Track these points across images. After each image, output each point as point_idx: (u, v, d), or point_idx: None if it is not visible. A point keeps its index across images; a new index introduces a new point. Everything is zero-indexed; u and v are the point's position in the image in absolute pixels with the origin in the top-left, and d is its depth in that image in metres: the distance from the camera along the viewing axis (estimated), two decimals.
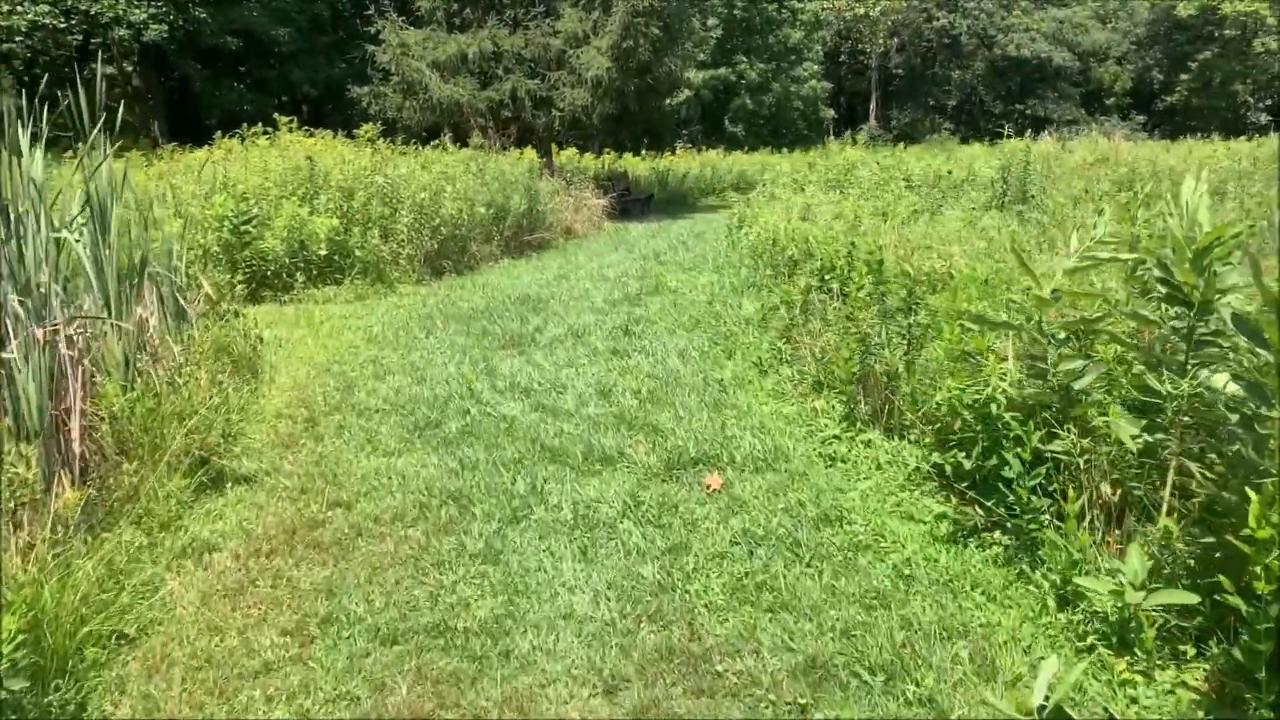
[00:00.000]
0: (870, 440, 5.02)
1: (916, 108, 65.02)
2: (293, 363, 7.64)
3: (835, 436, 5.17)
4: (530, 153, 17.12)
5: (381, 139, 14.80)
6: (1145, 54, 65.67)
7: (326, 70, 34.84)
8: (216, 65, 32.95)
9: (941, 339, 4.33)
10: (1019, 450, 3.60)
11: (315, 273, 10.93)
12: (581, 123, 20.60)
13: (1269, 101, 60.59)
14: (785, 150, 41.63)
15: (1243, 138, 39.40)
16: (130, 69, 32.46)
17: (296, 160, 12.05)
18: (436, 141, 18.90)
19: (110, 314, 5.32)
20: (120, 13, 27.11)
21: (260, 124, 14.22)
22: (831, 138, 48.15)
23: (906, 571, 3.72)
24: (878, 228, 8.69)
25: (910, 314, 5.04)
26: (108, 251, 5.37)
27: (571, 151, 28.73)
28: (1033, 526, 3.54)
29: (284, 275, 10.71)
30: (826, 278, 7.36)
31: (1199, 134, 41.53)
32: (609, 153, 34.17)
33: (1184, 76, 60.47)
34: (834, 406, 5.51)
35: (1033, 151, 16.34)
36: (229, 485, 5.02)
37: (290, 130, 14.10)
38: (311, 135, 14.49)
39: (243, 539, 4.41)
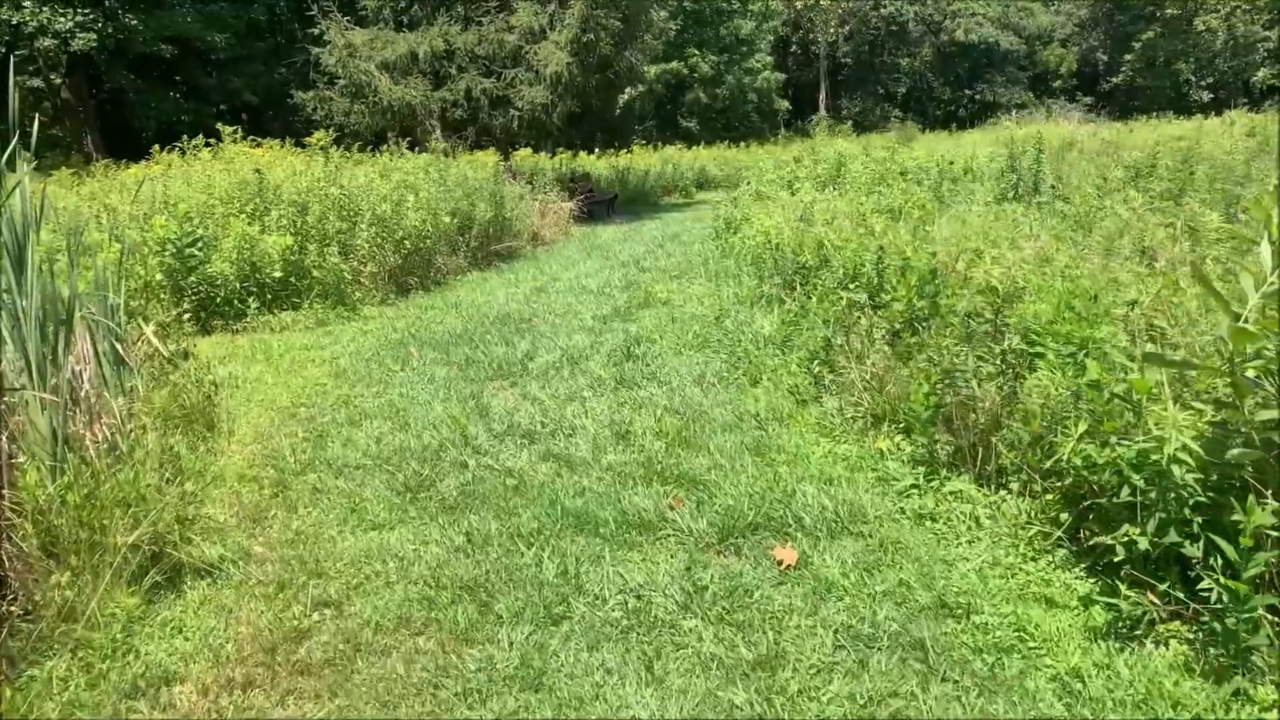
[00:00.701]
0: (960, 491, 4.21)
1: (866, 96, 64.80)
2: (252, 408, 6.67)
3: (914, 486, 4.36)
4: (493, 156, 16.14)
5: (334, 146, 13.75)
6: (1088, 35, 66.11)
7: (266, 76, 33.46)
8: (151, 75, 31.48)
9: (1065, 373, 3.53)
10: (1223, 526, 2.81)
11: (270, 297, 9.91)
12: (541, 122, 19.66)
13: (1210, 79, 61.28)
14: (743, 144, 41.02)
15: (1187, 116, 39.59)
16: (59, 81, 30.85)
17: (243, 173, 11.00)
18: (387, 146, 17.91)
19: (32, 377, 4.35)
20: (45, 22, 25.61)
21: (201, 135, 13.09)
22: (783, 130, 47.60)
23: (1078, 687, 2.91)
24: (894, 228, 7.90)
25: (1000, 337, 4.25)
26: (25, 301, 4.39)
27: (525, 153, 27.78)
28: (1244, 628, 2.75)
29: (235, 302, 9.68)
30: (851, 286, 6.56)
31: (1145, 114, 41.61)
32: (563, 152, 33.23)
33: (1128, 57, 60.85)
34: (902, 447, 4.70)
35: (1011, 137, 15.83)
36: (188, 582, 4.08)
37: (235, 140, 13.01)
38: (259, 145, 13.40)
39: (210, 662, 3.49)
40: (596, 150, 38.05)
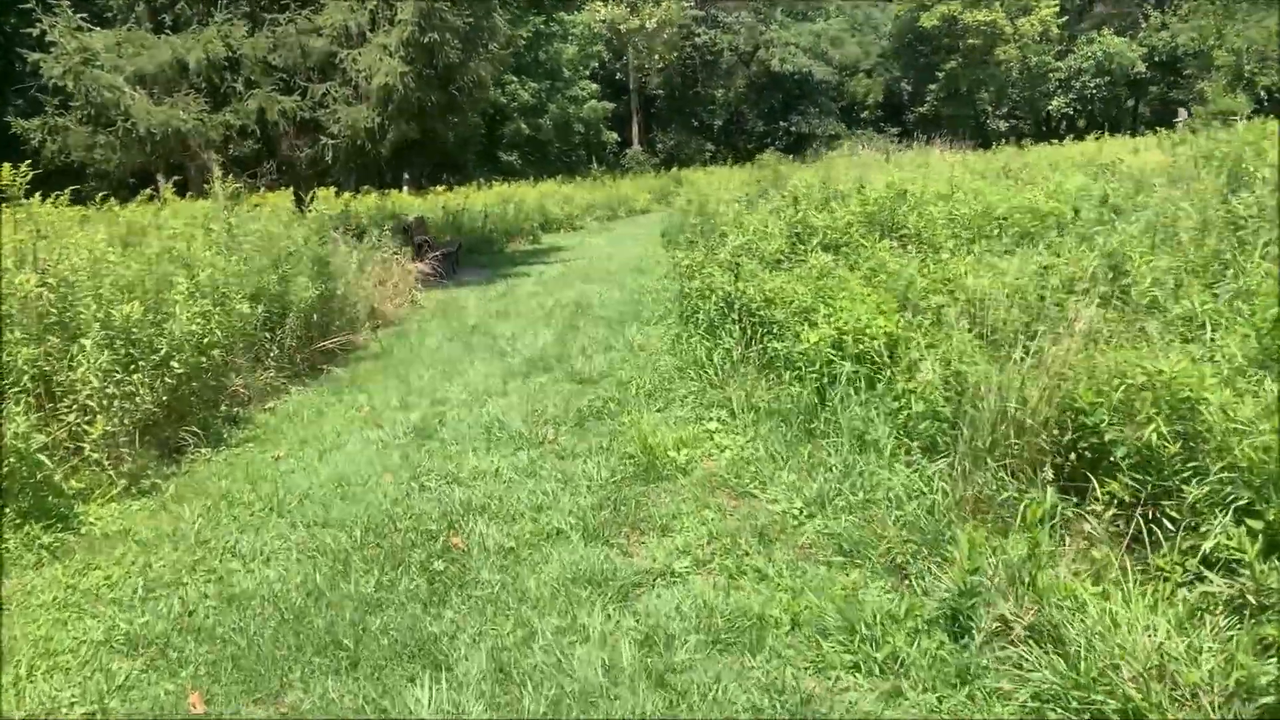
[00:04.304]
0: None
1: (681, 129, 62.43)
2: None
3: None
4: (317, 205, 10.98)
5: (54, 195, 8.24)
6: (892, 65, 66.59)
7: None
8: None
9: None
10: None
11: None
12: (365, 151, 14.63)
13: (1005, 109, 62.67)
14: (575, 178, 36.90)
15: (985, 146, 38.83)
16: None
17: None
18: (152, 190, 12.48)
19: None
20: None
21: None
22: (594, 165, 43.65)
23: None
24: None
25: None
26: None
27: (326, 193, 22.39)
28: None
29: None
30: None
31: (951, 143, 40.65)
32: (368, 191, 27.84)
33: (932, 86, 61.29)
34: None
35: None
36: None
37: None
38: None
39: None
40: (407, 189, 32.83)
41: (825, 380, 5.32)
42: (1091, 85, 57.85)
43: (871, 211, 8.37)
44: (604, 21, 42.03)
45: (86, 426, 5.49)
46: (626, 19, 42.27)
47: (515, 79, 38.08)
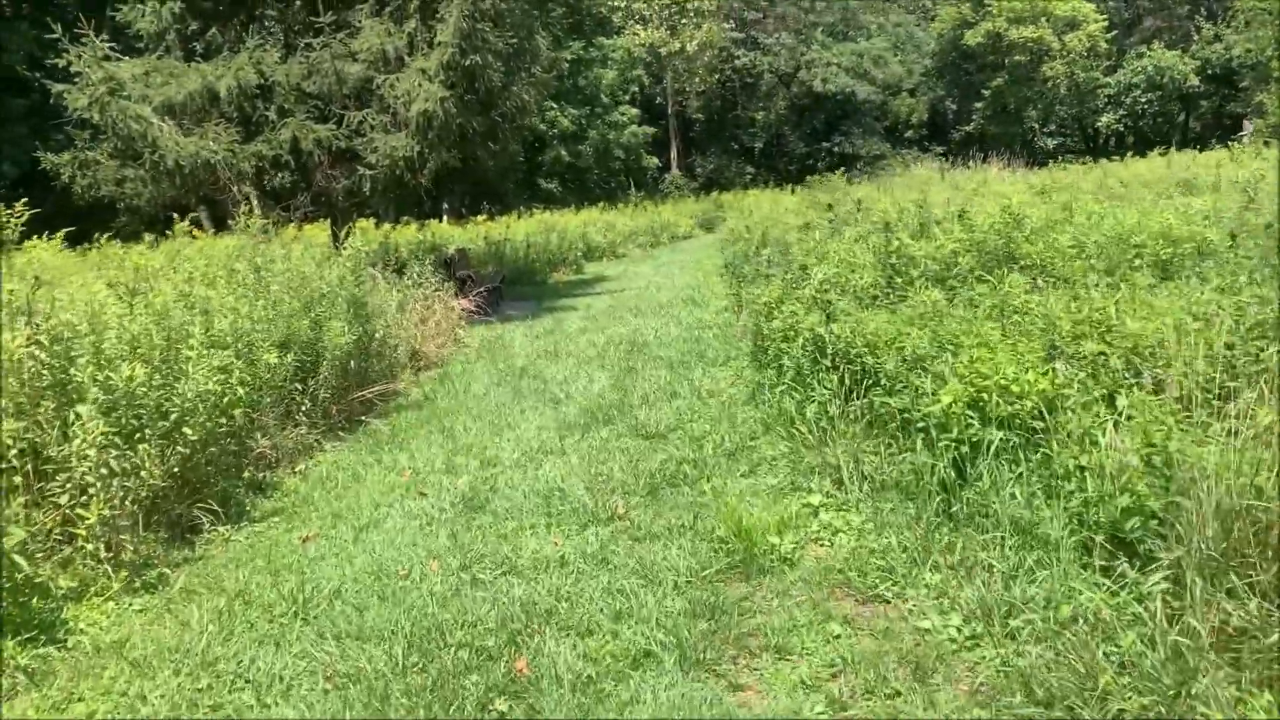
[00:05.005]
0: None
1: (721, 153, 61.70)
2: None
3: None
4: (354, 240, 10.17)
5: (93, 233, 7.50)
6: (936, 84, 65.48)
7: (28, 143, 25.96)
8: None
9: None
10: None
11: None
12: (404, 181, 13.86)
13: (1053, 126, 61.32)
14: (618, 205, 36.20)
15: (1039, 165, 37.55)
16: None
17: None
18: (184, 224, 11.76)
19: None
20: None
21: None
22: (633, 191, 42.80)
23: None
24: None
25: None
26: None
27: (365, 224, 21.74)
28: None
29: None
30: None
31: (1007, 161, 39.41)
32: (408, 222, 27.19)
33: (978, 105, 60.11)
34: None
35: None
36: None
37: None
38: None
39: None
40: (447, 218, 32.16)
41: (964, 449, 4.34)
42: (1143, 100, 56.38)
43: (979, 239, 7.37)
44: (644, 45, 41.36)
45: (81, 510, 4.64)
46: (667, 42, 41.58)
47: (555, 105, 37.52)
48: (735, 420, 6.79)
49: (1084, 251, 6.64)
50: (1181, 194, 11.62)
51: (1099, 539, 3.58)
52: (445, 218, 31.43)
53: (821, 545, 4.54)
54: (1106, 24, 54.85)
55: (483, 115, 14.36)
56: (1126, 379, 4.36)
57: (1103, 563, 3.45)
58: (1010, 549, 3.79)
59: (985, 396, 4.39)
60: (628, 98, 43.13)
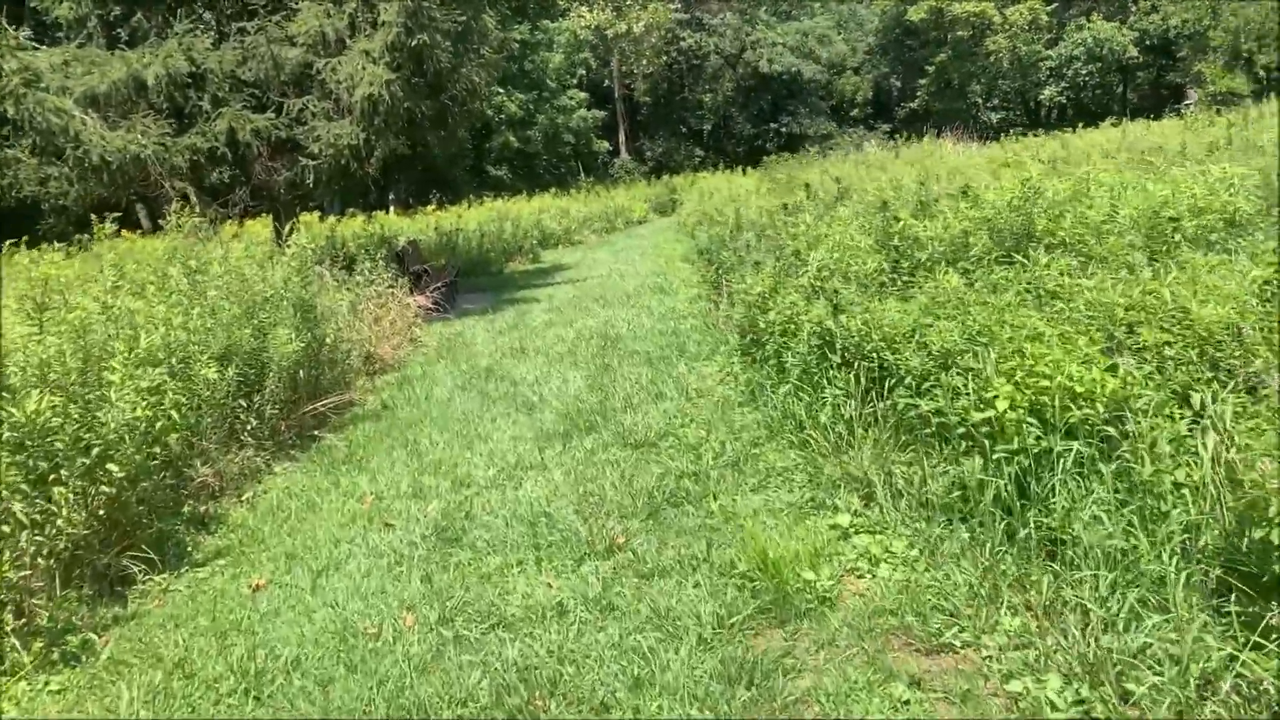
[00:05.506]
0: None
1: (669, 136, 61.08)
2: None
3: None
4: (298, 235, 9.28)
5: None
6: (880, 62, 65.47)
7: None
8: None
9: None
10: None
11: None
12: (350, 171, 12.99)
13: (996, 100, 61.45)
14: (564, 190, 35.44)
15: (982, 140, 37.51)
16: None
17: None
18: (104, 226, 10.85)
19: None
20: None
21: None
22: (582, 176, 42.00)
23: None
24: None
25: None
26: None
27: (308, 218, 20.74)
28: None
29: None
30: None
31: (959, 137, 39.29)
32: (354, 214, 26.14)
33: (922, 81, 60.13)
34: None
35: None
36: None
37: None
38: None
39: None
40: (394, 209, 31.06)
41: (1027, 462, 3.74)
42: (1084, 73, 56.68)
43: (990, 216, 6.79)
44: (590, 28, 40.48)
45: None
46: (613, 24, 40.73)
47: (501, 90, 36.56)
48: (733, 424, 6.16)
49: (1117, 227, 6.10)
50: (1158, 163, 11.17)
51: (1213, 573, 2.99)
52: (392, 208, 30.40)
53: (861, 579, 3.92)
54: None
55: (431, 99, 13.53)
56: (1202, 374, 3.79)
57: (1238, 609, 2.85)
58: (1105, 585, 3.20)
59: (1046, 400, 3.80)
60: (575, 81, 42.26)
